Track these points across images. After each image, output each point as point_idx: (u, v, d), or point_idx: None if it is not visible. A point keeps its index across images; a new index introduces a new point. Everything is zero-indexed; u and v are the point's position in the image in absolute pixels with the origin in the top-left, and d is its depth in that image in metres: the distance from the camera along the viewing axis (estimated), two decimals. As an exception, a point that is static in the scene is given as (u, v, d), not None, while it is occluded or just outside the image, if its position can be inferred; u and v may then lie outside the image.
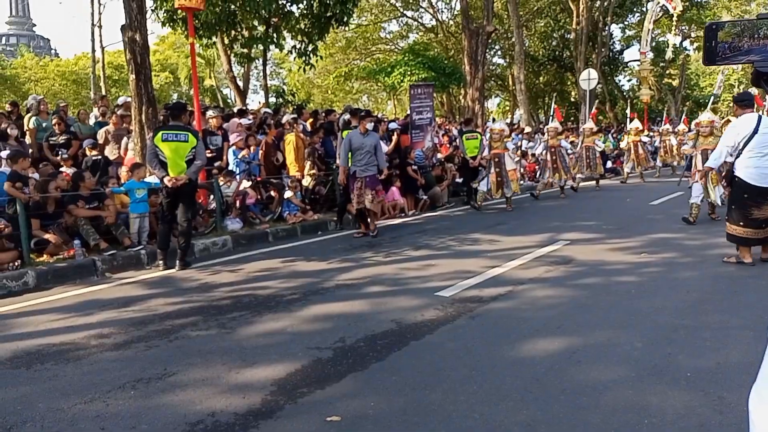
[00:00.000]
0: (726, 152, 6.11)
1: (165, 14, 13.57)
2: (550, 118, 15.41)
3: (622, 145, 17.41)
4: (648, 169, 17.57)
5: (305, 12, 14.40)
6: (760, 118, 5.84)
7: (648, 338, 3.88)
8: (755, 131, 5.73)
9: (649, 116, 22.77)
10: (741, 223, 5.82)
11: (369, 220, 8.44)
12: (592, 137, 14.83)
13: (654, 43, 29.49)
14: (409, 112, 12.82)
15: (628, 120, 18.06)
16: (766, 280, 5.30)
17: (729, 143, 5.99)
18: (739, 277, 5.42)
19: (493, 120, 16.87)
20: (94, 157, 8.62)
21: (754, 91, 9.93)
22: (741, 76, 32.53)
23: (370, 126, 8.57)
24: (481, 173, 11.52)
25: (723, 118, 10.72)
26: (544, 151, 13.12)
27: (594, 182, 15.16)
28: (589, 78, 19.46)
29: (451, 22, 31.63)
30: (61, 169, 7.90)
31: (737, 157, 5.87)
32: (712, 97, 14.87)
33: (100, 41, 25.76)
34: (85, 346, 4.07)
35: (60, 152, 8.66)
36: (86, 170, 7.83)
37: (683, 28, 32.39)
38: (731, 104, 19.06)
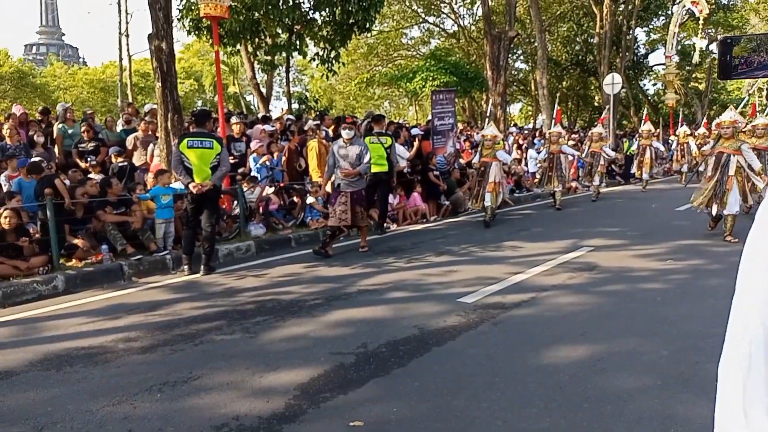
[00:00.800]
0: None
1: (191, 23, 13.82)
2: (556, 121, 14.97)
3: (633, 148, 16.88)
4: (656, 175, 17.07)
5: (328, 19, 14.52)
6: None
7: (674, 346, 3.83)
8: None
9: (675, 120, 22.46)
10: None
11: (361, 235, 7.89)
12: (600, 143, 13.70)
13: (680, 47, 29.09)
14: (430, 117, 12.82)
15: (642, 122, 17.79)
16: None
17: None
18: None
19: (515, 124, 16.06)
20: (120, 164, 8.78)
21: None
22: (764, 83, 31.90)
23: (346, 134, 7.58)
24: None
25: (750, 121, 10.38)
26: (545, 158, 12.33)
27: (595, 193, 13.75)
28: (613, 82, 19.26)
29: (473, 28, 31.58)
30: (89, 176, 8.07)
31: None
32: (743, 101, 14.57)
33: (128, 50, 26.25)
34: (113, 349, 4.15)
35: (88, 159, 8.84)
36: (113, 176, 7.99)
37: (710, 31, 31.87)
38: (761, 107, 18.65)
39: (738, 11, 31.77)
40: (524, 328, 4.33)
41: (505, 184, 11.21)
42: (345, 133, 7.58)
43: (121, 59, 26.96)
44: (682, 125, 19.29)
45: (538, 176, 13.73)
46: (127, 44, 25.92)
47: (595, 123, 16.77)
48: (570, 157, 12.56)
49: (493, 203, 9.82)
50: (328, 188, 8.15)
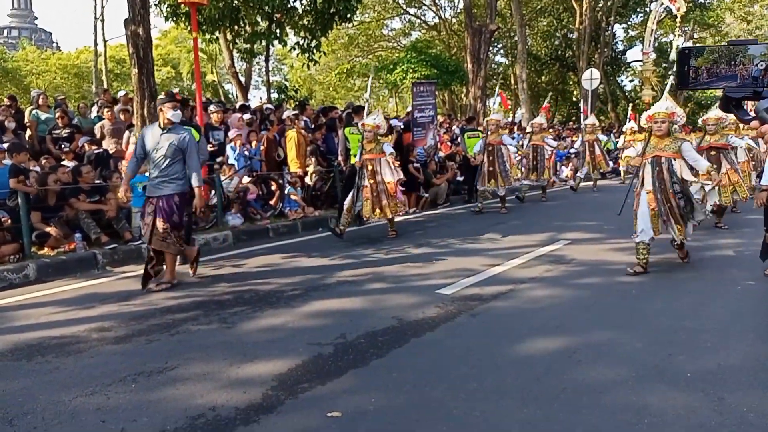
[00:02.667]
0: None
1: (168, 9, 13.55)
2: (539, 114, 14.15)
3: (576, 144, 15.53)
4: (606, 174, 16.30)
5: (308, 8, 14.37)
6: None
7: (648, 339, 3.88)
8: None
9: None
10: None
11: (166, 269, 5.64)
12: (541, 134, 12.32)
13: (657, 44, 29.45)
14: (411, 109, 12.81)
15: (627, 120, 17.79)
16: (765, 284, 5.29)
17: None
18: (744, 278, 5.42)
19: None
20: (96, 151, 8.62)
21: None
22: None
23: (172, 115, 5.42)
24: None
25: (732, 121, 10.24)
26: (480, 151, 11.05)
27: (540, 191, 12.88)
28: (591, 78, 19.45)
29: (454, 20, 31.56)
30: (62, 163, 7.90)
31: None
32: (717, 99, 14.76)
33: (103, 35, 25.76)
34: (86, 339, 4.08)
35: (63, 146, 8.66)
36: (88, 164, 7.83)
37: (686, 28, 32.32)
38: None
39: (714, 10, 32.23)
40: (502, 320, 4.36)
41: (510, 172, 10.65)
42: (171, 114, 5.42)
43: (96, 44, 26.45)
44: (631, 120, 16.98)
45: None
46: (103, 29, 25.49)
47: (540, 114, 15.46)
48: (512, 149, 11.00)
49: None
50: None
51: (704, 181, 5.51)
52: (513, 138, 12.56)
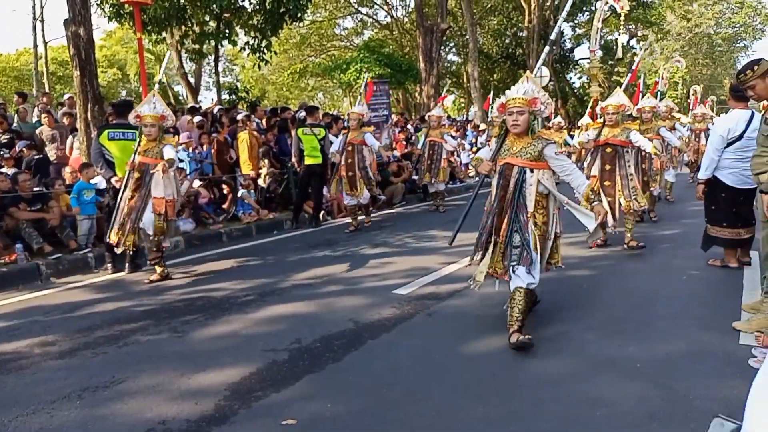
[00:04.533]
0: (716, 158, 5.22)
1: (111, 8, 13.11)
2: (438, 104, 12.02)
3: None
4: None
5: (258, 7, 14.16)
6: (752, 115, 5.15)
7: (600, 330, 3.96)
8: (744, 132, 5.09)
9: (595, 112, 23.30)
10: (724, 224, 5.38)
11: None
12: (439, 130, 10.09)
13: (603, 42, 30.25)
14: (364, 109, 12.75)
15: (586, 117, 18.07)
16: (712, 273, 5.48)
17: (719, 145, 5.18)
18: (688, 268, 5.59)
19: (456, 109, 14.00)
20: (36, 156, 8.27)
21: None
22: (684, 74, 33.71)
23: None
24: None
25: (664, 110, 10.38)
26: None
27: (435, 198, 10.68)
28: (541, 75, 19.77)
29: (406, 20, 31.66)
30: (1, 170, 7.53)
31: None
32: (658, 94, 15.27)
33: (43, 36, 24.79)
34: (28, 354, 3.89)
35: (2, 152, 8.26)
36: (27, 170, 7.50)
37: (630, 27, 33.30)
38: (677, 100, 19.53)
39: (656, 8, 33.33)
40: (458, 318, 4.37)
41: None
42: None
43: (36, 46, 25.43)
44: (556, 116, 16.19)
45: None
46: (43, 30, 24.52)
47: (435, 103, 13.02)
48: (449, 148, 10.25)
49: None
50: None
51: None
52: (467, 135, 12.42)
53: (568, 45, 36.80)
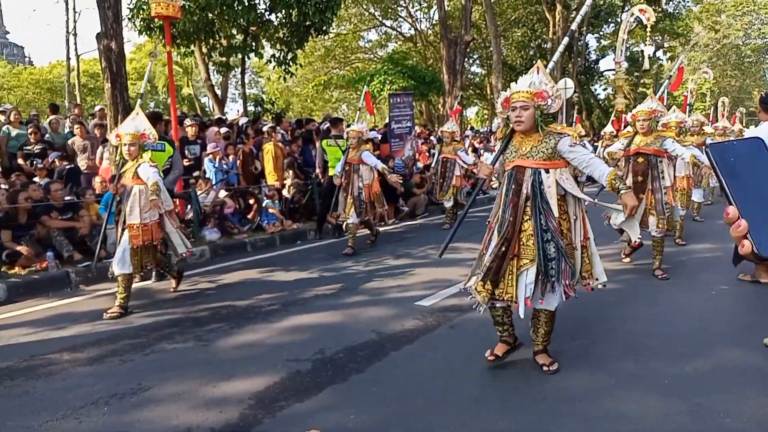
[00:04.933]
0: None
1: (142, 22, 13.44)
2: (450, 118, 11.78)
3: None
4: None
5: (284, 21, 14.36)
6: None
7: (625, 345, 3.91)
8: None
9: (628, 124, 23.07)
10: None
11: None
12: (452, 146, 9.79)
13: (628, 53, 30.00)
14: (388, 120, 12.83)
15: (610, 124, 17.89)
16: (741, 289, 5.37)
17: None
18: (718, 282, 5.49)
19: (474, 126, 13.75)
20: (67, 167, 8.47)
21: None
22: (712, 85, 33.22)
23: None
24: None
25: (694, 125, 10.22)
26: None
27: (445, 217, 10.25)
28: (565, 87, 19.66)
29: (430, 32, 31.80)
30: (34, 179, 7.74)
31: None
32: (689, 108, 15.05)
33: (75, 49, 25.45)
34: (58, 360, 3.97)
35: (35, 162, 8.50)
36: (59, 180, 7.69)
37: (656, 38, 32.99)
38: (704, 112, 19.20)
39: (683, 19, 32.98)
40: (480, 330, 4.35)
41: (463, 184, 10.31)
42: None
43: (68, 59, 26.12)
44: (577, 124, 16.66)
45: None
46: (75, 43, 25.22)
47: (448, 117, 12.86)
48: (464, 164, 9.94)
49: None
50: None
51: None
52: (486, 148, 12.07)
53: (593, 56, 36.58)
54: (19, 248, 6.52)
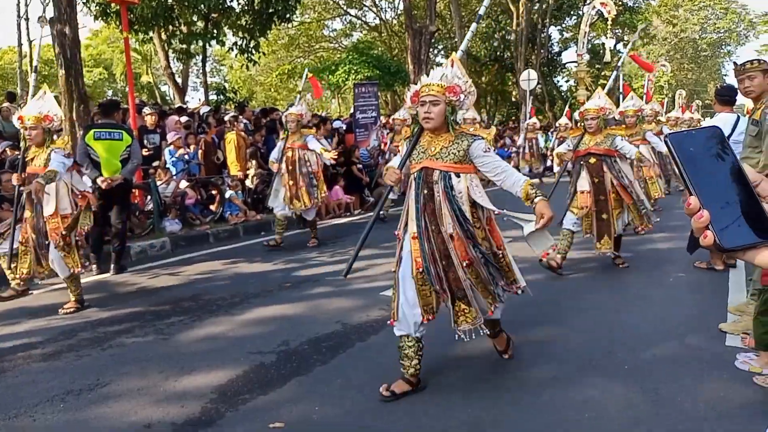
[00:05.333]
0: None
1: (97, 7, 12.99)
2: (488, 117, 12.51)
3: (519, 142, 15.88)
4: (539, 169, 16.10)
5: (246, 8, 14.10)
6: (738, 119, 5.13)
7: (587, 334, 3.97)
8: (729, 135, 4.99)
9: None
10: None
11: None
12: (403, 135, 8.96)
13: (590, 46, 30.49)
14: (353, 110, 12.76)
15: (563, 116, 18.20)
16: (698, 276, 5.52)
17: None
18: (674, 270, 5.63)
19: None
20: (19, 156, 8.15)
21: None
22: (670, 78, 34.08)
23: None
24: None
25: (650, 113, 10.39)
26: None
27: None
28: (528, 78, 19.88)
29: (395, 22, 31.69)
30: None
31: None
32: (644, 99, 15.40)
33: (27, 35, 24.49)
34: (11, 357, 3.83)
35: (-15, 151, 8.16)
36: (9, 171, 7.38)
37: (617, 31, 33.60)
38: (659, 101, 19.61)
39: (642, 13, 33.64)
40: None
41: None
42: None
43: (20, 45, 25.12)
44: (532, 116, 17.00)
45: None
46: (27, 28, 24.22)
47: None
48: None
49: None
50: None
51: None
52: None
53: (556, 48, 37.04)
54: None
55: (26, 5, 23.82)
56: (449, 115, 3.05)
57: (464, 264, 2.98)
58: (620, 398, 2.99)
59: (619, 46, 33.97)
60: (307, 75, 9.36)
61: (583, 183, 5.61)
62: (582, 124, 5.76)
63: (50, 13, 7.96)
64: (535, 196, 2.95)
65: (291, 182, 7.21)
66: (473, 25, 4.57)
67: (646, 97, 10.98)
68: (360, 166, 11.26)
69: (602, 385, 3.15)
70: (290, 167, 7.22)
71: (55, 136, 5.09)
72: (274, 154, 7.48)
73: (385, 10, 32.22)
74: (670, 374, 3.25)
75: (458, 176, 3.03)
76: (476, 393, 3.10)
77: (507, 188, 3.07)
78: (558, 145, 8.26)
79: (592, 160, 5.57)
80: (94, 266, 6.28)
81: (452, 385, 3.22)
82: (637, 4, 33.22)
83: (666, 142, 0.80)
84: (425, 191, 3.06)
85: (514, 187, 3.03)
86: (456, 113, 3.09)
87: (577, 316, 4.35)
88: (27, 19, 23.88)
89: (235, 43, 14.96)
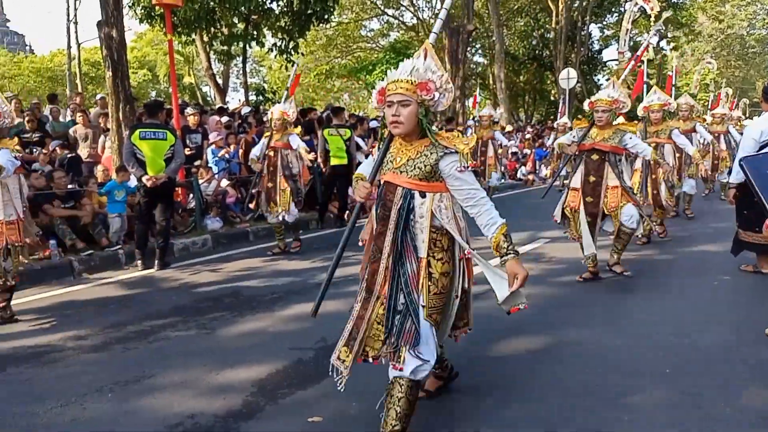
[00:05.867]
0: None
1: (142, 10, 13.39)
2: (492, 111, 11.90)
3: (549, 143, 15.25)
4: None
5: (285, 9, 14.31)
6: None
7: (629, 336, 3.91)
8: None
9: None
10: (757, 228, 4.90)
11: None
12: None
13: (632, 43, 29.84)
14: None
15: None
16: (744, 279, 5.37)
17: (751, 149, 4.67)
18: (719, 273, 5.49)
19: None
20: (68, 155, 8.47)
21: None
22: (716, 76, 33.09)
23: None
24: None
25: (699, 116, 10.03)
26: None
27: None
28: (568, 77, 19.60)
29: (432, 21, 31.65)
30: (34, 167, 7.73)
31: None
32: (673, 90, 14.86)
33: (76, 37, 25.40)
34: (62, 348, 3.99)
35: (33, 150, 8.48)
36: (61, 168, 7.68)
37: (660, 28, 32.84)
38: (708, 103, 19.08)
39: (687, 9, 32.77)
40: (482, 319, 4.34)
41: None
42: None
43: (69, 47, 26.06)
44: (562, 116, 16.18)
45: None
46: (76, 31, 25.13)
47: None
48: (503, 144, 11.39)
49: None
50: None
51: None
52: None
53: (596, 46, 36.38)
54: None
55: (75, 9, 24.64)
56: (422, 117, 2.49)
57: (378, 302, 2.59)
58: (661, 402, 2.94)
59: (663, 43, 33.11)
60: (295, 71, 9.09)
61: (576, 180, 5.26)
62: (591, 115, 5.24)
63: (98, 16, 8.24)
64: (506, 252, 2.53)
65: (270, 184, 6.90)
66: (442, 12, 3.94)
67: (666, 88, 10.23)
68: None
69: (642, 388, 3.10)
70: (271, 168, 6.89)
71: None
72: (255, 151, 7.12)
73: (423, 10, 32.19)
74: (713, 379, 3.18)
75: (423, 196, 2.51)
76: (513, 393, 3.10)
77: (479, 224, 2.56)
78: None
79: (594, 156, 5.12)
80: (140, 262, 6.47)
81: (489, 384, 3.22)
82: (682, 0, 32.34)
83: (741, 166, 0.79)
84: (380, 210, 2.63)
85: (486, 227, 2.54)
86: (429, 115, 2.53)
87: (619, 319, 4.29)
88: (76, 23, 24.69)
89: (275, 44, 15.19)
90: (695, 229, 7.93)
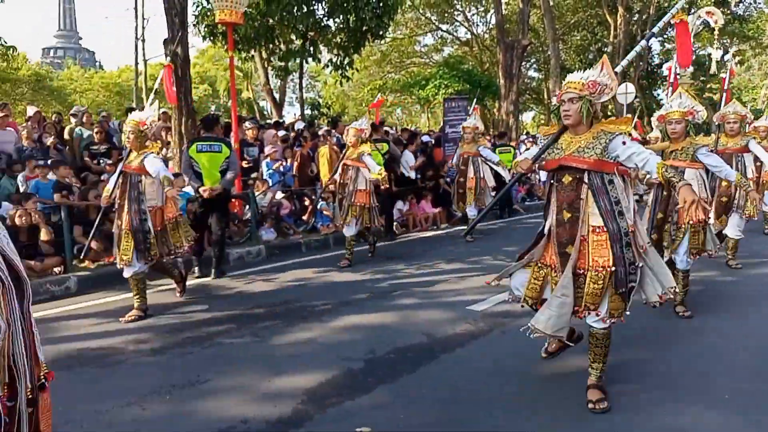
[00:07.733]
0: None
1: (206, 29, 13.95)
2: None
3: None
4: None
5: (342, 26, 14.60)
6: None
7: (685, 358, 3.80)
8: None
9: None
10: None
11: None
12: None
13: (694, 57, 28.93)
14: (443, 125, 12.83)
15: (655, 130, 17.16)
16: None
17: None
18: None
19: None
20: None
21: None
22: (786, 90, 31.61)
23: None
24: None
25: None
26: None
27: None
28: (626, 92, 19.16)
29: (486, 36, 31.57)
30: (103, 178, 8.13)
31: None
32: (755, 113, 14.36)
33: (143, 54, 26.56)
34: (123, 351, 4.18)
35: (101, 161, 8.92)
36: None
37: (725, 41, 31.69)
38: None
39: (754, 21, 31.51)
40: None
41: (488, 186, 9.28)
42: None
43: (137, 63, 27.28)
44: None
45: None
46: (143, 49, 26.25)
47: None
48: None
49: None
50: None
51: None
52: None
53: (656, 60, 35.43)
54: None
55: (143, 28, 25.83)
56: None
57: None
58: (718, 428, 2.84)
59: (727, 57, 31.96)
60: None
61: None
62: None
63: (165, 34, 8.64)
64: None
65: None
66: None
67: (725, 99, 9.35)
68: (448, 180, 11.28)
69: (698, 412, 3.00)
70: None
71: None
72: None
73: (477, 25, 32.18)
74: (775, 406, 3.05)
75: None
76: (563, 412, 3.05)
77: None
78: None
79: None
80: (196, 269, 6.70)
81: (538, 402, 3.18)
82: (748, 13, 31.12)
83: None
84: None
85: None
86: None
87: (676, 339, 4.17)
88: (144, 41, 25.87)
89: (330, 60, 15.50)
90: (760, 245, 7.56)
